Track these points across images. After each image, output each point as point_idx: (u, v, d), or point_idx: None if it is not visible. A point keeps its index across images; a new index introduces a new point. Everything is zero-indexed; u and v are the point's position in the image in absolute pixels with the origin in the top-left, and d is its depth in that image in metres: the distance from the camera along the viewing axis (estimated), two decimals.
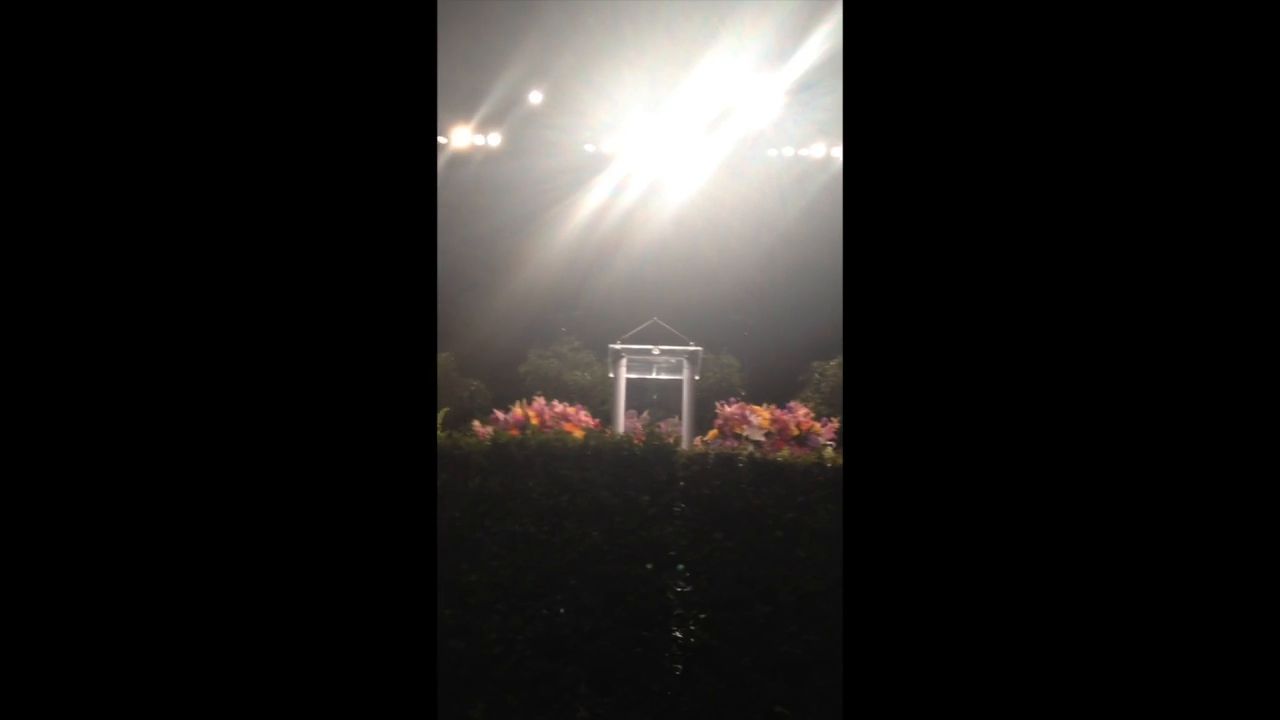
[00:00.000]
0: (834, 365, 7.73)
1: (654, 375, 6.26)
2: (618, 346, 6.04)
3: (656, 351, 6.00)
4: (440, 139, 8.91)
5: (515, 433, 4.31)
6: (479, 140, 9.14)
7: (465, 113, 8.97)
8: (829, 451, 4.37)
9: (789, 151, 9.11)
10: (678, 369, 6.04)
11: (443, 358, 6.99)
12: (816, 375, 7.79)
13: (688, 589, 3.88)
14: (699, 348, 6.09)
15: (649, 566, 3.86)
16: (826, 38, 7.58)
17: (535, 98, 8.71)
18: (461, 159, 9.13)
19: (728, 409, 4.82)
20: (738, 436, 4.69)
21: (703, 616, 3.84)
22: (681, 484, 3.97)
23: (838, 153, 9.10)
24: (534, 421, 4.70)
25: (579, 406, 4.97)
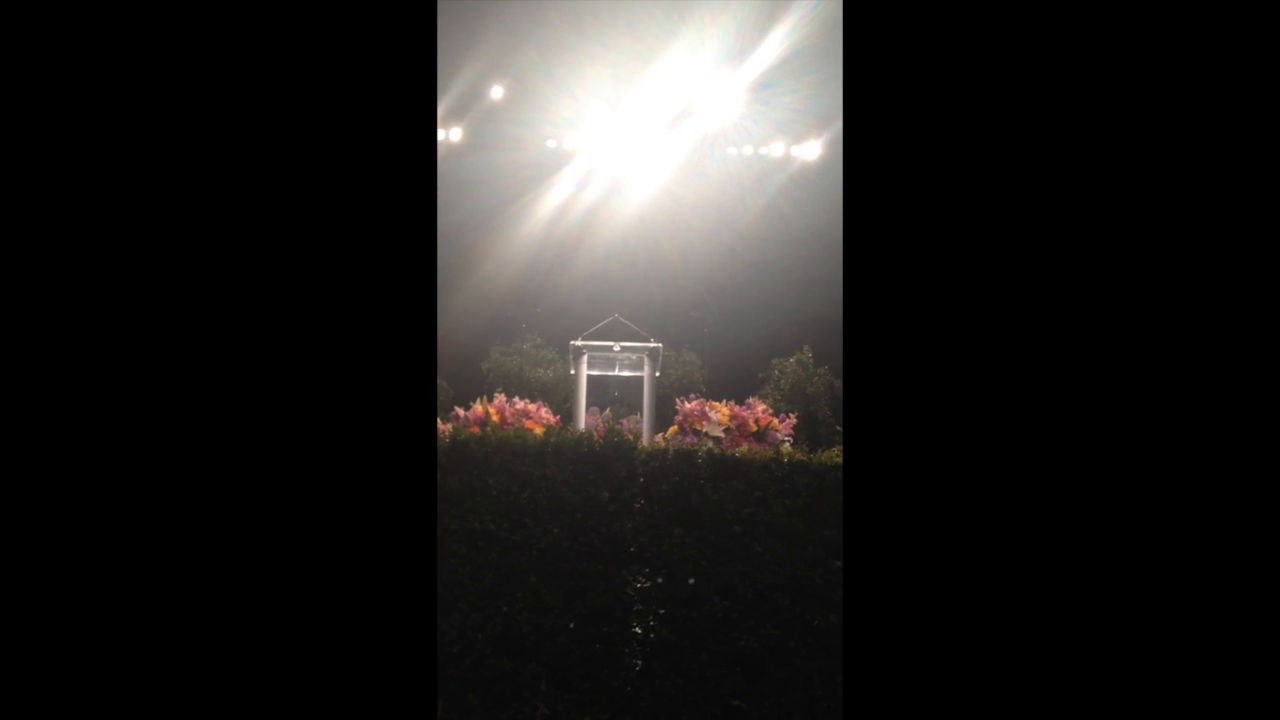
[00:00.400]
0: (792, 363, 7.83)
1: (616, 372, 6.28)
2: (579, 343, 6.05)
3: (617, 348, 6.02)
4: None
5: (475, 430, 4.29)
6: (440, 135, 9.06)
7: None
8: (786, 447, 4.42)
9: (749, 150, 9.17)
10: (639, 366, 6.06)
11: None
12: (776, 372, 7.88)
13: (647, 585, 3.90)
14: (659, 344, 6.12)
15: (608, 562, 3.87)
16: (785, 36, 7.64)
17: (497, 92, 8.64)
18: None
19: (687, 405, 4.85)
20: (697, 433, 4.72)
21: (662, 612, 3.87)
22: (641, 480, 3.99)
23: (797, 151, 9.18)
24: (494, 419, 4.69)
25: (540, 403, 4.96)
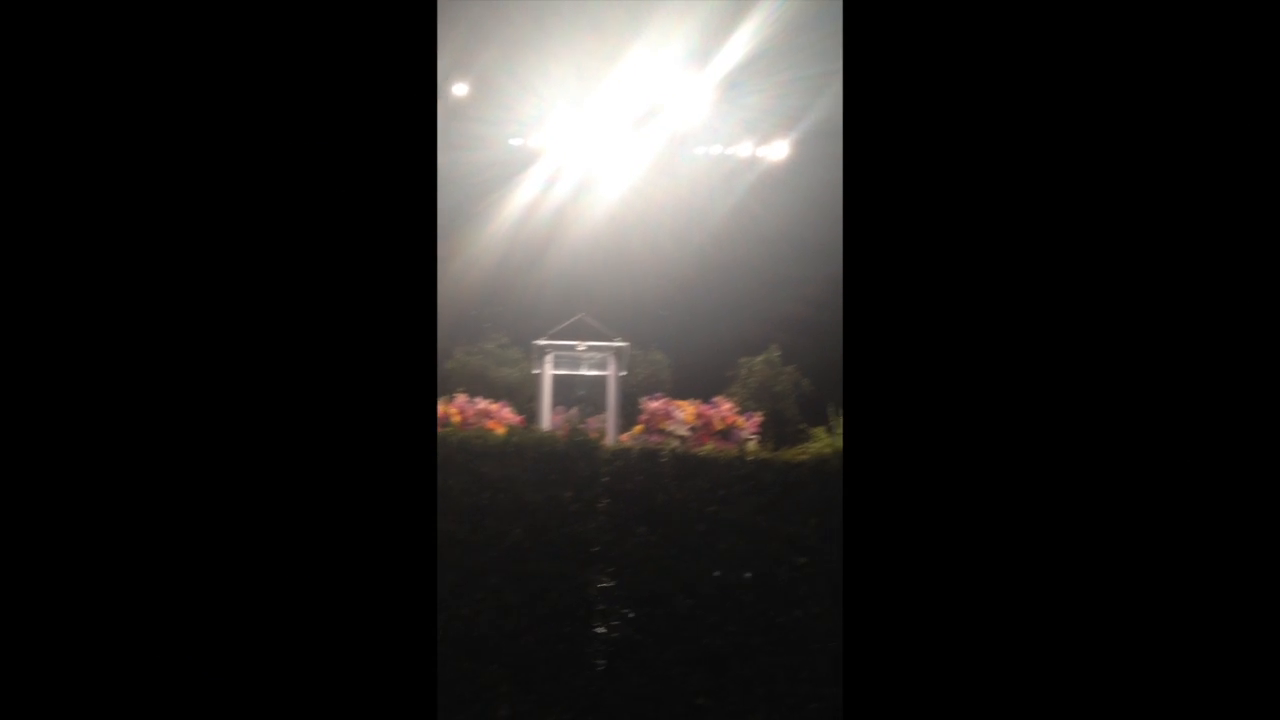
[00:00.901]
0: (760, 362, 7.84)
1: (581, 371, 6.24)
2: (542, 343, 6.00)
3: (582, 347, 5.98)
4: None
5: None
6: None
7: None
8: (751, 445, 4.41)
9: (716, 149, 9.17)
10: (604, 365, 6.03)
11: None
12: (744, 371, 7.88)
13: (610, 584, 3.87)
14: (625, 343, 6.09)
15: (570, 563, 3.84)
16: (751, 36, 7.65)
17: (460, 90, 8.56)
18: None
19: (652, 404, 4.83)
20: (662, 432, 4.70)
21: (625, 612, 3.84)
22: (605, 479, 3.96)
23: (764, 151, 9.21)
24: (455, 419, 4.63)
25: (502, 403, 4.91)
